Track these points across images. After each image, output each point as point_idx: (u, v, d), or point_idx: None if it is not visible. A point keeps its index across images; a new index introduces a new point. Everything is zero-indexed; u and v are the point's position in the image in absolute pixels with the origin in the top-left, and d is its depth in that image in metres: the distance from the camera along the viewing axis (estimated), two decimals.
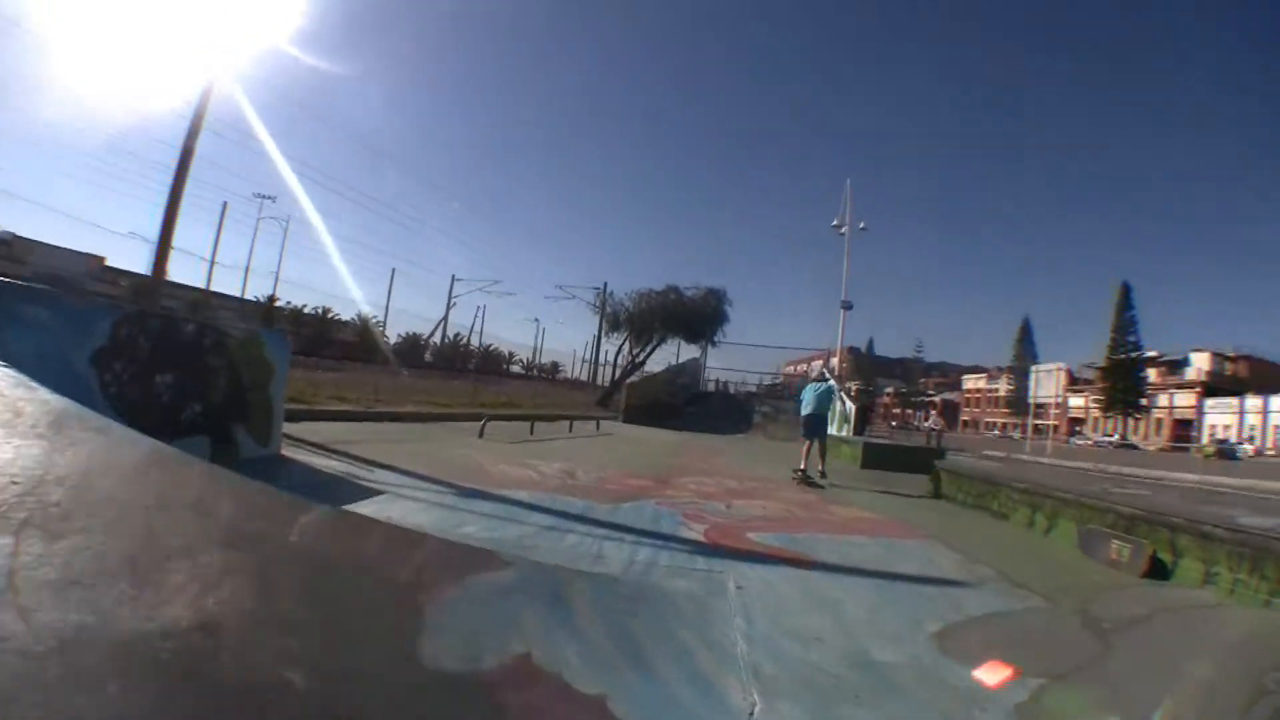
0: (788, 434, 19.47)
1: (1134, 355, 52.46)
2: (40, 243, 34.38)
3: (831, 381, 10.00)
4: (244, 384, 4.71)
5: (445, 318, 42.11)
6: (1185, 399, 53.14)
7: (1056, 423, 37.32)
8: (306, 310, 43.71)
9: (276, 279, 48.49)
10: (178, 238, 11.28)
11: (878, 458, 11.99)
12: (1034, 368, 28.57)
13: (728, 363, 31.03)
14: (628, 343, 30.62)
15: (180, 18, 10.64)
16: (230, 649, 1.02)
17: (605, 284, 33.04)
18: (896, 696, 2.08)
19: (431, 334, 42.84)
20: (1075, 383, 53.07)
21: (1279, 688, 2.27)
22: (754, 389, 33.09)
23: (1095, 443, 46.97)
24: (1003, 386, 71.72)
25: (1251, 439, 45.40)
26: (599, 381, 38.21)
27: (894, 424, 39.51)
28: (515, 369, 53.50)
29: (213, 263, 37.89)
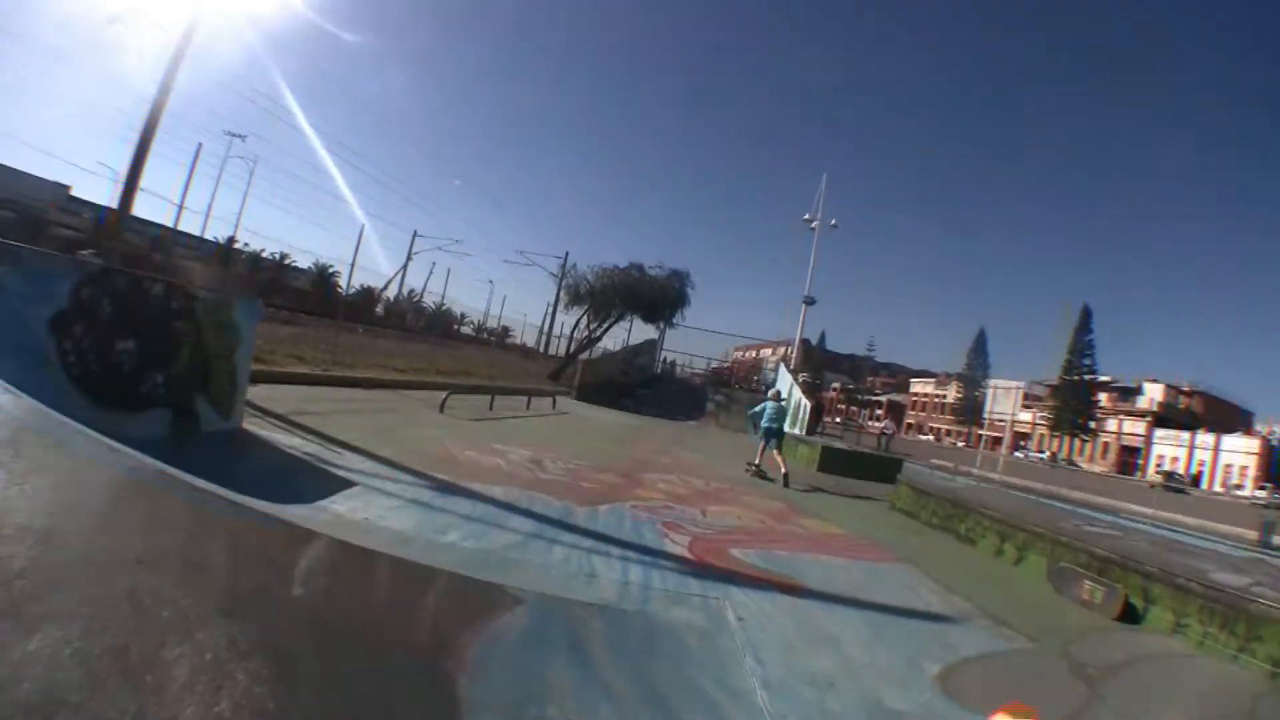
0: (740, 424, 20.07)
1: (1088, 378, 55.55)
2: (3, 166, 31.80)
3: (785, 402, 11.36)
4: (209, 352, 4.37)
5: (404, 271, 41.19)
6: (1135, 426, 56.83)
7: (1000, 435, 39.40)
8: (265, 255, 43.71)
9: (238, 221, 48.25)
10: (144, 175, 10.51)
11: (836, 463, 12.40)
12: (992, 383, 29.92)
13: (677, 344, 31.49)
14: (586, 317, 30.68)
15: None
16: None
17: (567, 254, 33.89)
18: None
19: (385, 287, 42.04)
20: (1025, 398, 56.06)
21: None
22: (701, 371, 33.94)
23: (1026, 456, 49.92)
24: (951, 394, 74.99)
25: (1199, 476, 49.06)
26: (550, 351, 38.51)
27: (837, 419, 40.89)
28: (466, 330, 53.26)
29: (181, 206, 37.12)
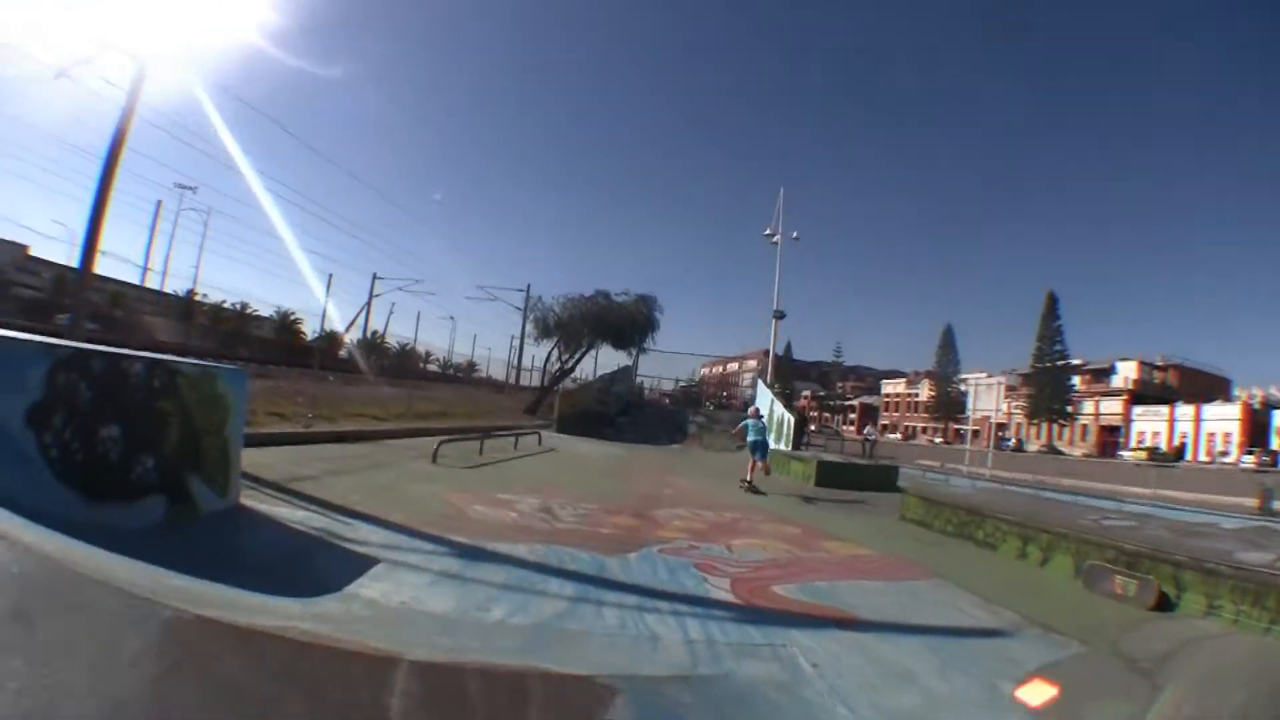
0: (723, 444, 20.52)
1: (1060, 363, 57.84)
2: None
3: (764, 420, 12.87)
4: (198, 428, 4.26)
5: (368, 311, 41.38)
6: (1112, 406, 59.25)
7: (977, 427, 40.68)
8: (225, 306, 44.88)
9: (197, 273, 48.36)
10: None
11: (832, 476, 12.75)
12: (973, 381, 30.94)
13: (651, 368, 32.38)
14: (557, 349, 31.13)
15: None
16: None
17: (529, 286, 34.93)
18: None
19: (348, 329, 42.41)
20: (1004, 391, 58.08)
21: None
22: (670, 392, 34.96)
23: (1006, 448, 51.58)
24: (924, 392, 77.01)
25: (1182, 448, 51.11)
26: (520, 383, 39.21)
27: (812, 427, 41.87)
28: (432, 368, 53.69)
29: (146, 267, 37.84)
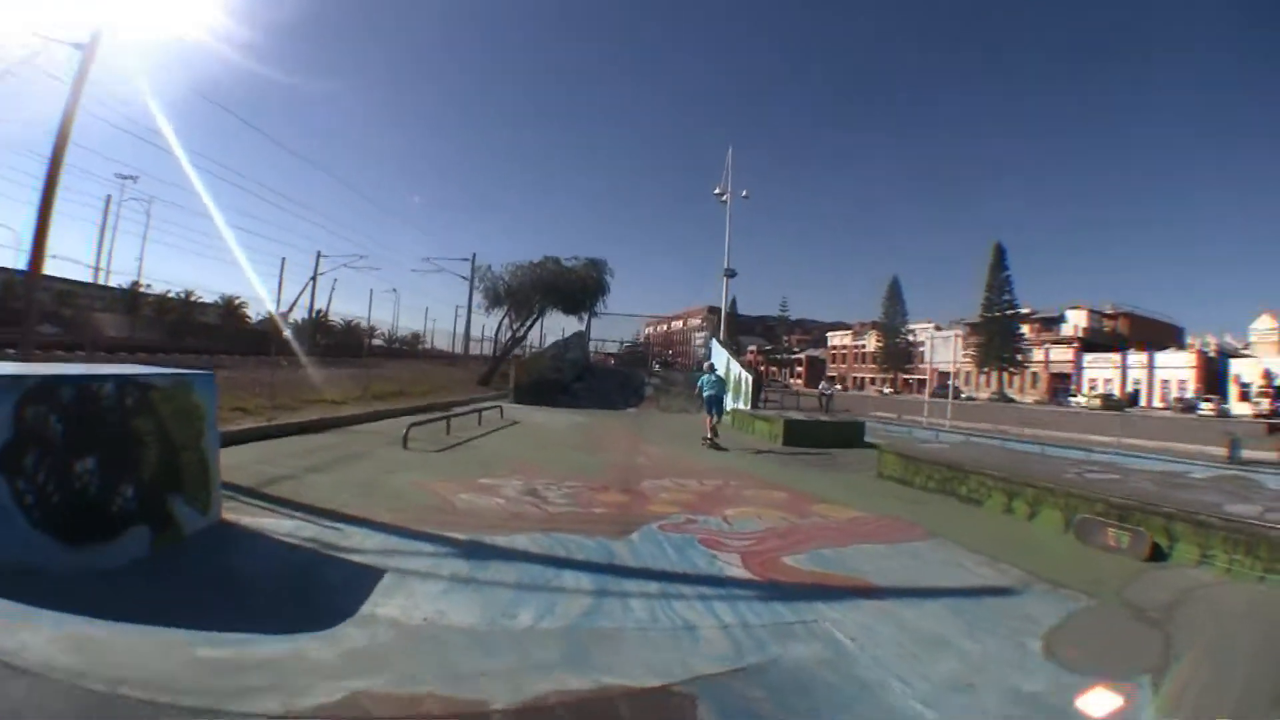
0: (682, 405, 20.90)
1: (1009, 312, 60.58)
2: None
3: (719, 372, 13.74)
4: (175, 444, 3.91)
5: (313, 289, 41.03)
6: (1062, 354, 62.61)
7: (924, 377, 42.58)
8: (170, 295, 45.61)
9: (140, 264, 48.72)
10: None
11: (799, 435, 13.08)
12: (930, 335, 32.13)
13: (603, 332, 33.00)
14: (508, 317, 31.12)
15: None
16: None
17: (474, 255, 34.58)
18: None
19: (291, 308, 42.21)
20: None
21: None
22: (615, 354, 35.79)
23: (958, 397, 54.32)
24: (871, 342, 79.60)
25: (1135, 395, 54.11)
26: (469, 352, 39.78)
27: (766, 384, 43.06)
28: (377, 343, 53.82)
29: (97, 267, 37.82)
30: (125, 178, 41.97)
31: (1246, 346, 54.71)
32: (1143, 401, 53.41)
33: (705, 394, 12.38)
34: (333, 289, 52.69)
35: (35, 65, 9.65)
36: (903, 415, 25.70)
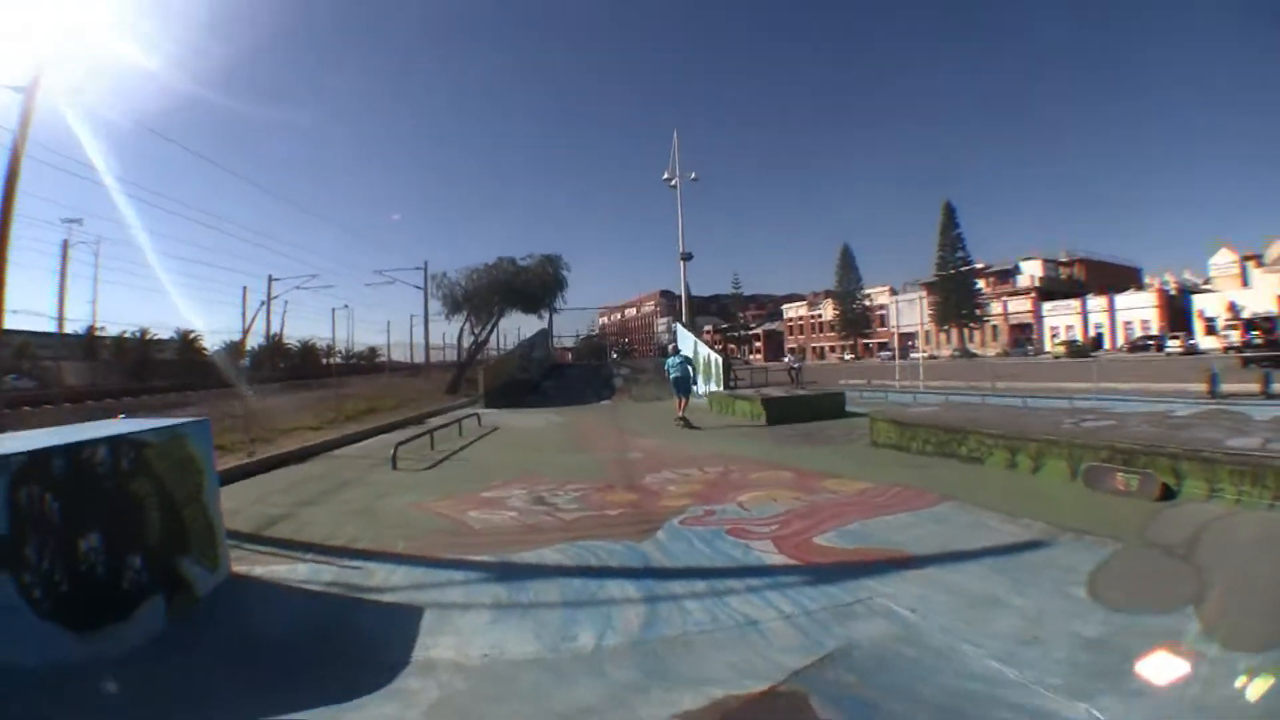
0: (654, 393, 21.07)
1: (964, 269, 62.41)
2: None
3: (686, 354, 14.79)
4: (177, 501, 3.69)
5: (267, 313, 40.97)
6: (1020, 305, 64.64)
7: (886, 340, 43.54)
8: (126, 335, 45.47)
9: (94, 308, 46.64)
10: None
11: (782, 411, 13.32)
12: (895, 298, 32.91)
13: (565, 327, 33.66)
14: (469, 322, 31.28)
15: None
16: None
17: (426, 263, 35.27)
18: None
19: (245, 333, 42.07)
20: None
21: None
22: (572, 347, 36.70)
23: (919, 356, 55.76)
24: (828, 311, 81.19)
25: (1099, 339, 55.69)
26: (431, 360, 39.98)
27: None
28: (337, 361, 54.99)
29: (60, 317, 36.50)
30: (70, 221, 40.52)
31: (1207, 282, 57.04)
32: (1106, 345, 55.50)
33: (673, 376, 13.30)
34: (284, 312, 52.51)
35: None
36: (872, 380, 26.28)
